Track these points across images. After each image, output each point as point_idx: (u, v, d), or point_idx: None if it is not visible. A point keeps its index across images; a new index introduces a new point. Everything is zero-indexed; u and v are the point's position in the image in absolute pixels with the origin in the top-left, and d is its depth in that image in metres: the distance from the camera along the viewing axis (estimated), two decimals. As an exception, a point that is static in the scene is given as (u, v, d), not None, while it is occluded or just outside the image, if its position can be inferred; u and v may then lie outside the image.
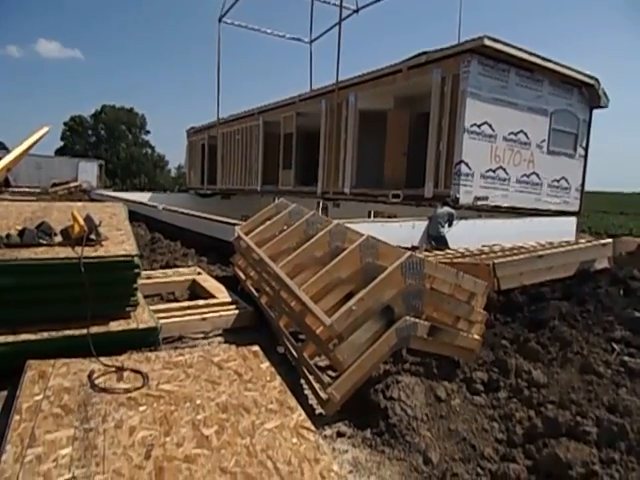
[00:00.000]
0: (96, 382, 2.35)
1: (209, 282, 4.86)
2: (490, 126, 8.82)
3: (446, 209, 7.86)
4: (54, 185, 23.70)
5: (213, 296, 4.35)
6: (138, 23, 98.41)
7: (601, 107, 10.70)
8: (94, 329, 2.88)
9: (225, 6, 15.82)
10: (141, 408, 2.15)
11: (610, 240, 4.87)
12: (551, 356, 3.14)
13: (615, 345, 3.11)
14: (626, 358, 2.95)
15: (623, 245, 9.27)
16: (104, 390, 2.29)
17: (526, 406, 2.66)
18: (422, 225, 7.74)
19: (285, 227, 4.60)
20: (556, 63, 9.26)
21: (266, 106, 15.00)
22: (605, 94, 10.51)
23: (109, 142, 51.91)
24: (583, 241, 5.48)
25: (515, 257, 4.27)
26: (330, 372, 3.09)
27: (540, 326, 3.57)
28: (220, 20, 16.12)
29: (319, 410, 2.74)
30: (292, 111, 13.68)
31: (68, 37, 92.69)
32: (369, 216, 11.28)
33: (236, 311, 3.98)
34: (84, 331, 2.81)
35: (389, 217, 9.89)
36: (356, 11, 16.44)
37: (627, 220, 25.89)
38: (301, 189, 13.46)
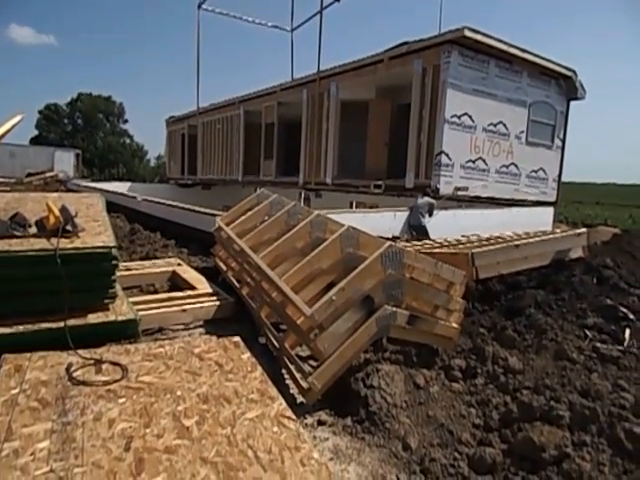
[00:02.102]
0: (74, 375, 2.32)
1: (189, 273, 4.83)
2: (470, 117, 8.89)
3: (427, 199, 7.92)
4: (29, 175, 23.14)
5: (193, 287, 4.32)
6: (114, 8, 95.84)
7: (578, 99, 10.88)
8: (72, 322, 2.84)
9: (204, -8, 15.52)
10: (120, 400, 2.13)
11: (584, 230, 4.99)
12: (527, 343, 3.22)
13: (588, 332, 3.21)
14: (598, 344, 3.05)
15: (599, 235, 9.50)
16: (82, 383, 2.26)
17: (502, 392, 2.73)
18: (403, 215, 7.79)
19: (266, 218, 4.59)
20: (534, 54, 9.36)
21: (247, 95, 14.83)
22: (582, 86, 10.69)
23: (86, 131, 50.71)
24: (558, 231, 5.60)
25: (492, 247, 4.34)
26: (311, 362, 3.12)
27: (516, 314, 3.65)
28: (199, 7, 15.81)
29: (300, 399, 2.77)
30: (273, 101, 13.56)
31: (41, 22, 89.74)
32: (351, 206, 11.30)
33: (217, 302, 3.97)
34: (61, 324, 2.77)
35: (371, 207, 9.93)
36: (337, 0, 16.30)
37: (602, 210, 26.54)
38: (283, 179, 13.41)
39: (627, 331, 3.17)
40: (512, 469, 2.18)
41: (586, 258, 4.55)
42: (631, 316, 3.30)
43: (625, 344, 3.06)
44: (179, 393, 2.23)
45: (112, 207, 9.79)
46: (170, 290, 4.55)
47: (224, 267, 4.82)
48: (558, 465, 2.13)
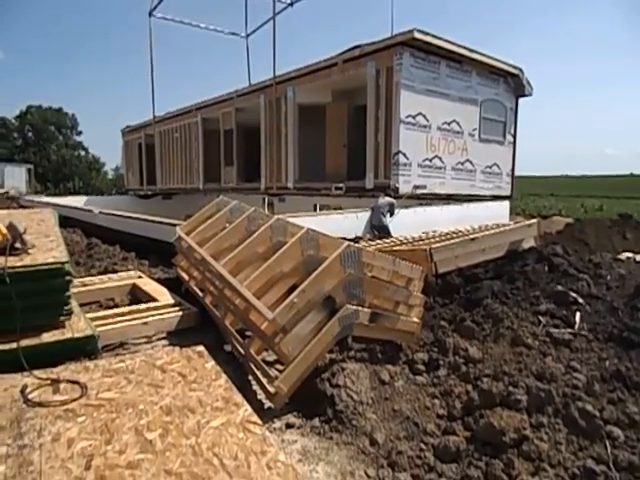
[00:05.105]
0: (30, 397, 2.24)
1: (150, 285, 4.73)
2: (424, 117, 9.11)
3: (387, 199, 8.06)
4: (-23, 193, 22.11)
5: (155, 299, 4.24)
6: (61, 17, 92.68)
7: (525, 95, 11.33)
8: (25, 342, 2.74)
9: (154, -1, 15.27)
10: (80, 419, 2.08)
11: (535, 221, 5.19)
12: (485, 332, 3.32)
13: (541, 318, 3.34)
14: (551, 329, 3.18)
15: (554, 225, 9.92)
16: (39, 404, 2.19)
17: (464, 381, 2.81)
18: (365, 216, 7.89)
19: (227, 224, 4.56)
20: (482, 54, 9.70)
21: (204, 102, 14.69)
22: (529, 83, 11.14)
23: (38, 145, 48.72)
24: (512, 223, 5.81)
25: (450, 242, 4.46)
26: (278, 366, 3.12)
27: (475, 305, 3.76)
28: (150, 14, 15.54)
29: (268, 404, 2.76)
30: (231, 107, 13.48)
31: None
32: (315, 209, 11.36)
33: (179, 313, 3.91)
34: (14, 345, 2.67)
35: (335, 209, 10.01)
36: (291, 4, 16.38)
37: (557, 201, 27.74)
38: (245, 186, 13.34)
39: (577, 315, 3.32)
40: (475, 455, 2.25)
41: (538, 247, 4.74)
42: (580, 300, 3.47)
43: (576, 327, 3.21)
44: (141, 407, 2.19)
45: (68, 222, 9.49)
46: (131, 303, 4.44)
47: (186, 277, 4.75)
48: (518, 447, 2.22)
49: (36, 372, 2.46)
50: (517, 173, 11.91)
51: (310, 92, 10.98)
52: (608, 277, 3.99)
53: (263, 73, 13.70)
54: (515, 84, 10.98)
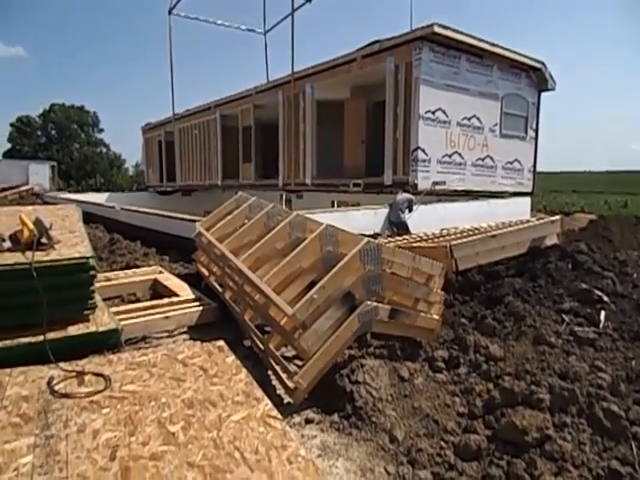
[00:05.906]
0: (56, 388, 2.30)
1: (171, 280, 4.80)
2: (444, 112, 9.01)
3: (406, 195, 8.00)
4: (3, 190, 22.69)
5: (176, 294, 4.30)
6: (82, 16, 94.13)
7: (548, 90, 11.10)
8: (51, 335, 2.80)
9: (174, -3, 15.41)
10: (104, 410, 2.12)
11: (558, 217, 5.09)
12: (507, 330, 3.28)
13: (565, 316, 3.28)
14: (575, 327, 3.12)
15: (576, 222, 9.73)
16: (65, 395, 2.24)
17: (485, 379, 2.78)
18: (383, 212, 7.86)
19: (246, 221, 4.59)
20: (504, 48, 9.53)
21: (223, 99, 14.78)
22: (552, 77, 10.91)
23: (60, 142, 49.73)
24: (533, 219, 5.71)
25: (471, 238, 4.41)
26: (297, 362, 3.13)
27: (496, 303, 3.71)
28: (170, 12, 15.70)
29: (287, 399, 2.78)
30: (249, 103, 13.53)
31: (8, 34, 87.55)
32: (332, 206, 11.36)
33: (200, 308, 3.95)
34: (41, 338, 2.73)
35: (353, 206, 9.98)
36: (309, 0, 16.33)
37: (579, 198, 27.17)
38: (263, 182, 13.39)
39: (602, 313, 3.25)
40: (497, 454, 2.23)
41: (561, 244, 4.65)
42: (605, 298, 3.39)
43: (601, 326, 3.14)
44: (164, 400, 2.22)
45: (90, 218, 9.67)
46: (152, 298, 4.51)
47: (206, 272, 4.80)
48: (541, 447, 2.19)
49: (62, 364, 2.52)
50: (539, 169, 11.72)
51: (328, 88, 10.95)
52: (634, 275, 3.90)
53: (282, 70, 13.74)
54: (537, 78, 10.77)
